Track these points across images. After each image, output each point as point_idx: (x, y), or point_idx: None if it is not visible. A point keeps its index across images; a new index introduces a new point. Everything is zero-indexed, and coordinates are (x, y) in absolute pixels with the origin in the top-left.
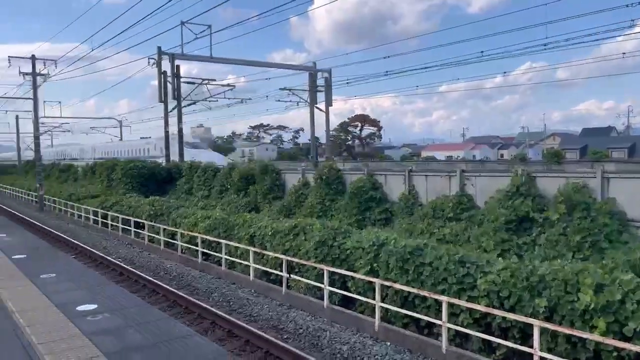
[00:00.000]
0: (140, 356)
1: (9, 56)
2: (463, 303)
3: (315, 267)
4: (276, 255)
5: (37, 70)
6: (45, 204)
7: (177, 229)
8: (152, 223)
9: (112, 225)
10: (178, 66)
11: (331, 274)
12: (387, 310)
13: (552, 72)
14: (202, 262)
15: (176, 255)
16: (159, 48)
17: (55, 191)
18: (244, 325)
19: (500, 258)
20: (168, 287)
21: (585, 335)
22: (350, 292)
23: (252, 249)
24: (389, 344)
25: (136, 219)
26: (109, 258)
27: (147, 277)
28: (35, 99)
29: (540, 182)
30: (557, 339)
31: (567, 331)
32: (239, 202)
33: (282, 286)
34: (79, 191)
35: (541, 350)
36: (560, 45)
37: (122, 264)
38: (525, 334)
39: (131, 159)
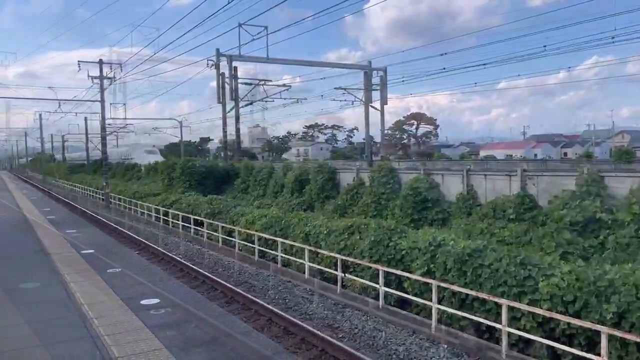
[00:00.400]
0: (201, 350)
1: (78, 61)
2: (524, 307)
3: (371, 267)
4: (331, 254)
5: (104, 74)
6: (111, 202)
7: (234, 227)
8: (211, 221)
9: (172, 222)
10: (236, 68)
11: (386, 274)
12: (444, 312)
13: (620, 67)
14: (258, 260)
15: (233, 252)
16: (218, 50)
17: (121, 189)
18: (300, 323)
19: (562, 261)
20: (226, 283)
21: None
22: (406, 292)
23: (307, 247)
24: (445, 346)
25: (195, 217)
26: (170, 254)
27: (206, 273)
28: (102, 101)
29: (609, 182)
30: (628, 347)
31: (638, 339)
32: (293, 201)
33: (337, 285)
34: (142, 189)
35: (609, 358)
36: (630, 38)
37: (182, 260)
38: (592, 340)
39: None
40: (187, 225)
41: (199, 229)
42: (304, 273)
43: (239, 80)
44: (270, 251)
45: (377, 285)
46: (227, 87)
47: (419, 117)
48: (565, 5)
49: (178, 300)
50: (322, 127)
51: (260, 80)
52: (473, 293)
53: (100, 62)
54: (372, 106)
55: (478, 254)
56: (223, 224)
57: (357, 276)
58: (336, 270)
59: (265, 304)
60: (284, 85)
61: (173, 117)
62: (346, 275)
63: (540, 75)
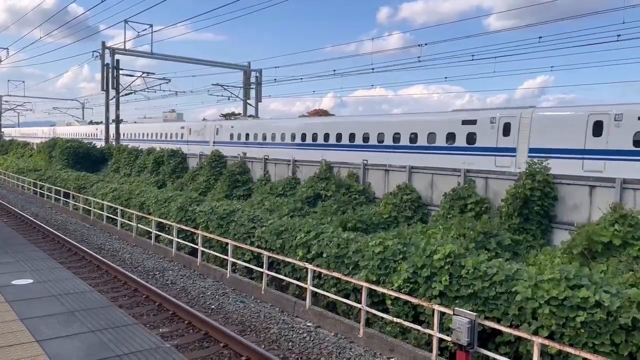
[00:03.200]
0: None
1: None
2: (245, 246)
3: (172, 225)
4: (155, 218)
5: None
6: None
7: (92, 198)
8: (74, 193)
9: (47, 194)
10: (118, 60)
11: (181, 230)
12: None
13: None
14: (106, 223)
15: (89, 218)
16: (103, 43)
17: (7, 165)
18: (92, 253)
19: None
20: (68, 238)
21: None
22: (195, 244)
23: (135, 212)
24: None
25: (65, 190)
26: (23, 214)
27: (53, 231)
28: None
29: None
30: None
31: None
32: (151, 179)
33: (150, 240)
34: (25, 165)
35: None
36: None
37: (34, 220)
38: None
39: None
40: (58, 197)
41: (68, 200)
42: (132, 233)
43: (123, 72)
44: (114, 216)
45: (172, 238)
46: (121, 76)
47: (321, 113)
48: None
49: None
50: (239, 116)
51: (142, 72)
52: (226, 240)
53: None
54: (248, 102)
55: (233, 214)
56: (86, 196)
57: (168, 234)
58: (157, 230)
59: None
60: (164, 78)
61: (75, 97)
62: (161, 234)
63: None
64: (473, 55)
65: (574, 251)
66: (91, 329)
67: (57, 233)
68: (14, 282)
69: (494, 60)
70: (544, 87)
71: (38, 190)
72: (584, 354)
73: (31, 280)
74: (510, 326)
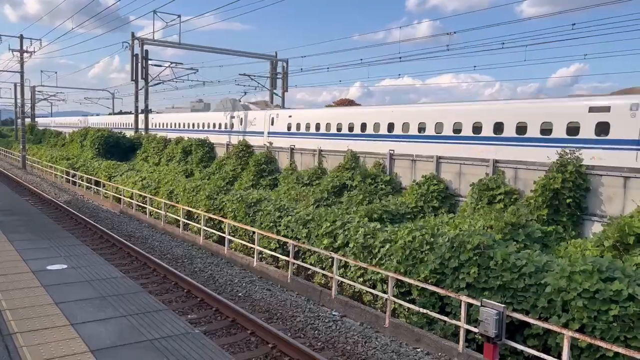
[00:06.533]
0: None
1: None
2: (272, 235)
3: (200, 214)
4: (184, 207)
5: (24, 48)
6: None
7: (121, 186)
8: (105, 182)
9: (78, 182)
10: (147, 51)
11: (209, 218)
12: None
13: None
14: (136, 211)
15: (119, 206)
16: (133, 34)
17: (41, 154)
18: (138, 249)
19: (313, 208)
20: (99, 225)
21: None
22: (223, 232)
23: (164, 201)
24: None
25: (96, 178)
26: (55, 201)
27: (84, 217)
28: (22, 73)
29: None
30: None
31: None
32: (179, 168)
33: (179, 228)
34: (57, 154)
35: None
36: None
37: (66, 207)
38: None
39: None
40: (89, 185)
41: (99, 188)
42: (160, 220)
43: (152, 62)
44: (142, 205)
45: (200, 226)
46: (149, 66)
47: (346, 103)
48: None
49: (50, 234)
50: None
51: (171, 62)
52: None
53: (21, 37)
54: (274, 92)
55: (259, 203)
56: (116, 185)
57: (196, 222)
58: (184, 217)
59: (115, 235)
60: (191, 68)
61: (106, 88)
62: (191, 223)
63: None
64: (503, 43)
65: (605, 243)
66: (123, 313)
67: (88, 220)
68: (49, 267)
69: (525, 49)
70: (578, 75)
71: (70, 178)
72: (615, 348)
73: (65, 266)
74: (539, 319)
